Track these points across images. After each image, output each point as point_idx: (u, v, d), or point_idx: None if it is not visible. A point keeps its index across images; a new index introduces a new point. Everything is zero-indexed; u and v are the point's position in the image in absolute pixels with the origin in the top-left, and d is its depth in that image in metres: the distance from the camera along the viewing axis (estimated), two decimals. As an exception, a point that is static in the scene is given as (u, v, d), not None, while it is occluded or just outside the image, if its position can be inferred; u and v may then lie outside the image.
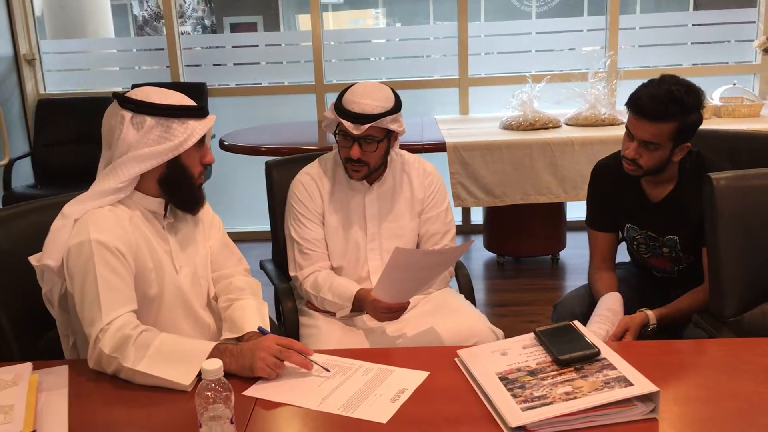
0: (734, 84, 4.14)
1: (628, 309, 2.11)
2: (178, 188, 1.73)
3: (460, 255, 2.06)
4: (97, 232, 1.59)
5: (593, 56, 4.51)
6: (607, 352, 1.43)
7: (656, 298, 2.20)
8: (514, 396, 1.33)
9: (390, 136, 2.14)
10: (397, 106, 2.11)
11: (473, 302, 2.31)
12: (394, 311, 1.99)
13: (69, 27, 6.21)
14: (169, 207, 1.78)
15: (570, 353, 1.42)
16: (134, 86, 4.73)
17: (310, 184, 2.21)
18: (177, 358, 1.50)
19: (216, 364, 1.16)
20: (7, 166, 4.30)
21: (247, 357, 1.52)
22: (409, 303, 2.01)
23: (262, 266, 2.48)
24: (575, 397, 1.30)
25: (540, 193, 3.77)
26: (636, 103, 2.02)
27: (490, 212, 4.29)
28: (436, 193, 2.28)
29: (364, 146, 2.09)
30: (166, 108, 1.66)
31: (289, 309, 2.22)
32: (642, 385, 1.31)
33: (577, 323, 1.55)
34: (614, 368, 1.38)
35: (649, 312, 2.07)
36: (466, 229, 4.99)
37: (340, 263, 2.21)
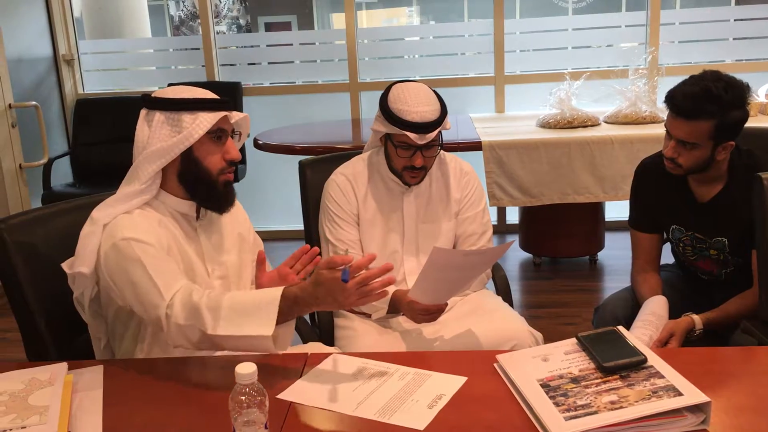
0: (780, 80, 4.02)
1: (673, 312, 2.04)
2: (197, 185, 1.69)
3: (500, 256, 2.01)
4: (130, 232, 1.58)
5: (633, 53, 4.42)
6: (654, 360, 1.38)
7: (701, 301, 2.13)
8: (557, 404, 1.28)
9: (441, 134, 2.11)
10: (443, 104, 2.07)
11: (511, 304, 2.26)
12: (432, 313, 1.95)
13: (107, 27, 6.28)
14: (201, 209, 1.76)
15: (615, 360, 1.36)
16: (169, 85, 4.80)
17: (345, 184, 2.18)
18: (251, 311, 1.47)
19: (250, 368, 1.13)
20: (47, 165, 4.35)
21: (327, 302, 1.47)
22: (446, 304, 1.97)
23: (296, 267, 2.45)
24: (621, 407, 1.25)
25: (578, 193, 3.70)
26: (672, 101, 1.96)
27: (527, 212, 4.22)
28: (474, 194, 2.24)
29: (426, 152, 2.06)
30: (176, 101, 1.64)
31: (325, 310, 2.19)
32: (692, 394, 1.25)
33: (621, 328, 1.49)
34: (662, 377, 1.32)
35: (695, 317, 2.00)
36: (501, 229, 4.92)
37: (375, 265, 2.17)
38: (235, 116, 1.74)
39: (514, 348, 1.94)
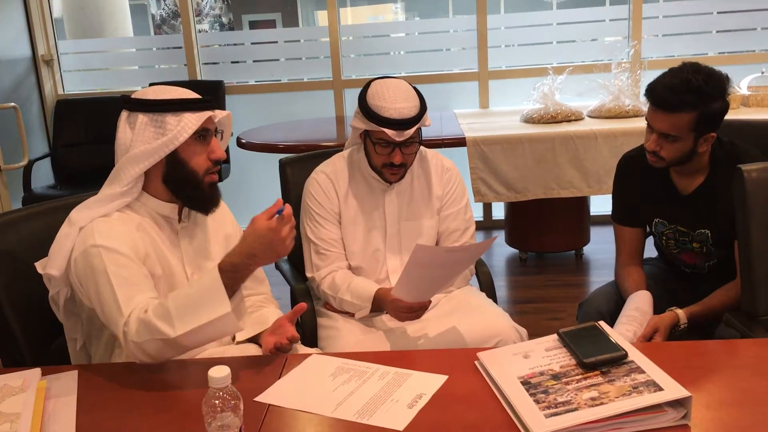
0: (762, 72, 4.02)
1: (657, 306, 2.03)
2: (183, 186, 1.66)
3: (483, 251, 1.99)
4: (102, 239, 1.55)
5: (616, 46, 4.41)
6: (635, 355, 1.36)
7: (686, 294, 2.12)
8: (537, 402, 1.26)
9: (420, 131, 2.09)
10: (423, 100, 2.05)
11: (495, 300, 2.25)
12: (415, 311, 1.93)
13: (88, 27, 6.22)
14: (184, 211, 1.73)
15: (596, 356, 1.35)
16: (150, 85, 4.76)
17: (326, 182, 2.16)
18: (199, 299, 1.45)
19: (223, 372, 1.10)
20: (27, 167, 4.29)
21: (264, 253, 1.49)
22: (430, 302, 1.95)
23: (277, 266, 2.43)
24: (602, 403, 1.23)
25: (563, 188, 3.70)
26: (652, 93, 1.95)
27: (512, 207, 4.21)
28: (455, 190, 2.22)
29: (405, 149, 2.03)
30: (158, 103, 1.61)
31: (307, 310, 2.16)
32: (673, 389, 1.24)
33: (603, 324, 1.48)
34: (643, 372, 1.31)
35: (679, 311, 1.99)
36: (487, 225, 4.91)
37: (358, 263, 2.16)
38: (218, 114, 1.71)
39: (499, 344, 1.93)
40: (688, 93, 1.90)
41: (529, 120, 3.91)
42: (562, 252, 4.29)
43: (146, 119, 1.61)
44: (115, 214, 1.63)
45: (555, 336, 1.48)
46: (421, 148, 2.24)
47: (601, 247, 4.26)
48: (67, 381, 1.48)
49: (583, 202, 4.12)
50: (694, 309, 2.00)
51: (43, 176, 4.61)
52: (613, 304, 2.14)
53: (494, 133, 3.71)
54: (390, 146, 2.01)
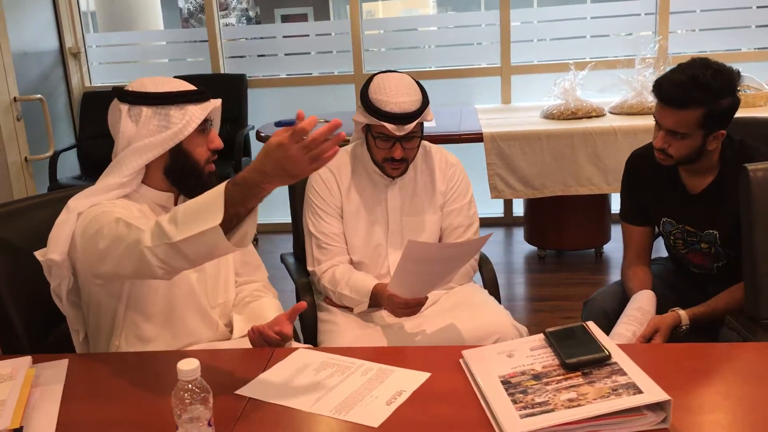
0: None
1: (665, 307, 2.00)
2: (186, 177, 1.69)
3: (479, 249, 1.97)
4: (104, 206, 1.58)
5: (640, 42, 4.33)
6: (619, 357, 1.34)
7: (694, 295, 2.08)
8: (515, 401, 1.25)
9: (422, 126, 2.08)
10: (426, 94, 2.04)
11: (498, 298, 2.22)
12: (412, 306, 1.92)
13: (119, 20, 6.31)
14: (180, 200, 1.75)
15: (578, 357, 1.32)
16: (175, 78, 4.81)
17: (329, 176, 2.16)
18: (202, 209, 1.38)
19: (192, 364, 1.11)
20: (53, 158, 4.37)
21: (274, 172, 1.32)
22: (427, 298, 1.94)
23: (282, 260, 2.44)
24: (578, 405, 1.21)
25: (581, 185, 3.65)
26: (659, 89, 1.91)
27: (531, 204, 4.16)
28: (459, 185, 2.20)
29: (406, 144, 2.03)
30: (162, 96, 1.63)
31: (308, 304, 2.16)
32: (652, 392, 1.21)
33: (591, 324, 1.45)
34: (624, 374, 1.28)
35: (682, 312, 1.95)
36: (508, 221, 4.87)
37: (359, 258, 2.15)
38: (213, 103, 1.72)
39: (497, 342, 1.91)
40: (696, 89, 1.86)
41: (549, 116, 3.87)
42: (581, 250, 4.24)
43: (150, 112, 1.63)
44: (116, 201, 1.65)
45: (542, 335, 1.46)
46: (426, 143, 2.23)
47: (621, 246, 4.18)
48: (57, 370, 1.50)
49: (603, 200, 4.06)
50: (698, 310, 1.96)
51: (70, 167, 4.69)
52: (618, 303, 2.11)
53: (512, 129, 3.68)
54: (390, 141, 2.00)
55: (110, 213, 1.53)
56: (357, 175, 2.16)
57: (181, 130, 1.63)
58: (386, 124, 1.95)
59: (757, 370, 1.41)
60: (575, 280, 3.91)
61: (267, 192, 1.38)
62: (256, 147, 4.39)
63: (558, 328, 1.44)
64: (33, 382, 1.42)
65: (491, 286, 2.26)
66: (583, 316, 2.20)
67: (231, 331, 1.83)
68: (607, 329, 1.96)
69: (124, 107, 1.66)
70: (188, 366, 1.11)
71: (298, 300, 2.22)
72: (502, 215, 4.88)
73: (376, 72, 2.07)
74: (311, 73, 5.02)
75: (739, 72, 1.93)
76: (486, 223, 4.84)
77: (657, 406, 1.21)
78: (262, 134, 3.95)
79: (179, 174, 1.69)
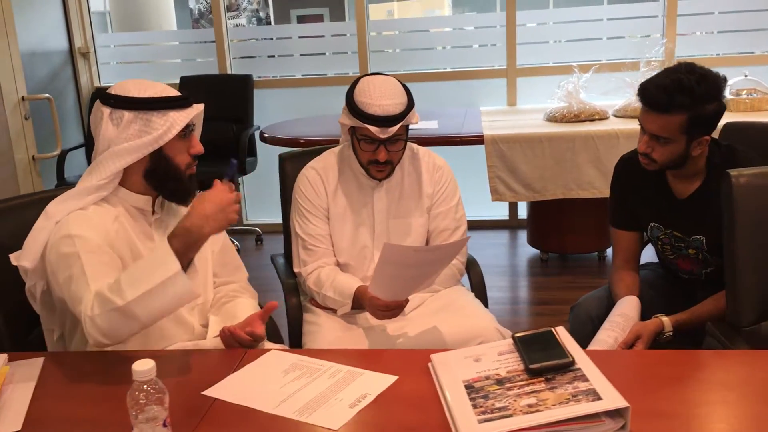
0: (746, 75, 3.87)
1: (653, 312, 1.98)
2: (166, 181, 1.70)
3: (457, 252, 1.97)
4: (76, 229, 1.59)
5: (645, 44, 4.30)
6: (583, 363, 1.33)
7: (683, 301, 2.06)
8: (475, 406, 1.25)
9: (407, 129, 2.08)
10: (411, 97, 2.04)
11: (485, 301, 2.22)
12: (392, 309, 1.92)
13: (134, 21, 6.39)
14: (157, 202, 1.76)
15: (542, 362, 1.32)
16: (182, 78, 4.84)
17: (315, 178, 2.16)
18: (149, 265, 1.47)
19: (147, 365, 1.12)
20: (60, 157, 4.41)
21: (215, 215, 1.52)
22: (407, 301, 1.94)
23: (272, 260, 2.45)
24: (537, 410, 1.21)
25: (582, 188, 3.63)
26: (643, 93, 1.89)
27: (534, 207, 4.15)
28: (446, 188, 2.20)
29: (390, 147, 2.03)
30: (144, 101, 1.63)
31: (293, 305, 2.18)
32: (611, 399, 1.20)
33: (560, 329, 1.45)
34: (586, 380, 1.27)
35: (665, 318, 1.93)
36: (512, 224, 4.85)
37: (346, 260, 2.16)
38: (196, 109, 1.73)
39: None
40: (680, 94, 1.84)
41: (552, 119, 3.85)
42: (584, 253, 4.21)
43: (132, 116, 1.63)
44: (91, 207, 1.66)
45: (510, 340, 1.45)
46: (414, 145, 2.23)
47: (625, 250, 4.16)
48: (31, 368, 1.52)
49: (606, 203, 4.02)
50: (681, 317, 1.94)
51: (78, 166, 4.73)
52: (603, 309, 2.09)
53: (513, 132, 3.66)
54: (374, 143, 2.01)
55: (77, 257, 1.54)
56: (344, 177, 2.17)
57: (161, 136, 1.63)
58: (369, 127, 1.95)
59: (727, 378, 1.40)
60: (578, 284, 3.88)
61: (204, 240, 1.52)
62: (260, 147, 4.40)
63: (526, 333, 1.44)
64: (6, 380, 1.44)
65: (478, 289, 2.25)
66: (569, 320, 2.20)
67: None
68: (593, 335, 1.95)
69: (106, 110, 1.66)
70: (143, 366, 1.12)
71: (286, 301, 2.24)
72: (507, 218, 4.86)
73: (366, 74, 2.08)
74: (326, 74, 5.02)
75: (725, 77, 1.91)
76: (490, 225, 4.85)
77: (616, 413, 1.20)
78: (266, 135, 3.97)
79: (159, 177, 1.69)
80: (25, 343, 1.79)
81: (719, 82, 1.88)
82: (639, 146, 1.97)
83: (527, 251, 4.36)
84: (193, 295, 1.50)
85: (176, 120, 1.65)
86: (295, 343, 2.13)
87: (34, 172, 4.30)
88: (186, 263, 1.49)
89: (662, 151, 1.93)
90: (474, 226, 4.84)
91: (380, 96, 1.97)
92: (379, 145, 2.00)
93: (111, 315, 1.44)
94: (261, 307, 1.80)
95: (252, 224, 4.93)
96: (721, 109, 1.90)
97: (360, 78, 2.06)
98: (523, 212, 4.82)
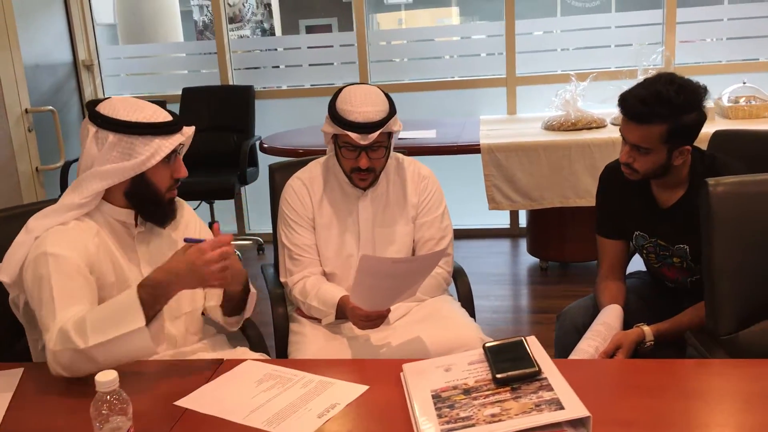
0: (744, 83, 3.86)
1: (639, 321, 1.98)
2: (144, 203, 1.71)
3: (435, 264, 1.98)
4: (54, 247, 1.59)
5: (642, 52, 4.29)
6: (550, 372, 1.33)
7: (669, 310, 2.05)
8: (440, 416, 1.25)
9: (391, 137, 2.10)
10: (393, 105, 2.06)
11: (471, 311, 2.22)
12: (373, 319, 1.93)
13: (140, 33, 6.44)
14: (140, 217, 1.77)
15: (508, 371, 1.33)
16: (184, 90, 4.88)
17: (301, 188, 2.18)
18: (115, 313, 1.47)
19: (110, 376, 1.14)
20: (64, 168, 4.46)
21: (187, 273, 1.49)
22: (389, 311, 1.95)
23: (262, 270, 2.47)
24: (500, 420, 1.21)
25: (579, 196, 3.63)
26: (623, 104, 1.90)
27: (533, 216, 4.15)
28: (432, 198, 2.21)
29: (372, 154, 2.04)
30: (130, 125, 1.62)
31: (280, 315, 2.19)
32: (573, 408, 1.21)
33: (530, 339, 1.45)
34: (551, 390, 1.28)
35: (646, 328, 1.93)
36: (514, 233, 4.85)
37: (331, 269, 2.17)
38: (186, 132, 1.72)
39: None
40: (659, 104, 1.85)
41: (550, 127, 3.85)
42: (584, 262, 4.20)
43: (115, 139, 1.62)
44: (72, 222, 1.66)
45: (481, 350, 1.46)
46: (399, 155, 2.25)
47: (625, 258, 4.15)
48: (9, 378, 1.54)
49: (605, 212, 4.02)
50: (662, 326, 1.94)
51: (81, 177, 4.78)
52: (589, 318, 2.09)
53: (509, 140, 3.67)
54: (356, 150, 2.02)
55: (48, 281, 1.55)
56: (329, 186, 2.18)
57: (143, 162, 1.63)
58: (350, 133, 1.97)
59: (699, 387, 1.40)
60: (578, 293, 3.81)
61: (174, 294, 1.52)
62: (261, 158, 4.43)
63: (496, 342, 1.45)
64: (-17, 390, 1.46)
65: (466, 299, 2.26)
66: (556, 329, 2.20)
67: (200, 339, 1.86)
68: (577, 343, 1.95)
69: (92, 128, 1.65)
70: (105, 378, 1.13)
71: (272, 311, 2.25)
72: (508, 226, 4.86)
73: (348, 84, 2.10)
74: (333, 84, 5.05)
75: (705, 87, 1.92)
76: (492, 234, 4.85)
77: (579, 422, 1.21)
78: (266, 145, 4.00)
79: (139, 199, 1.70)
80: (11, 353, 1.80)
81: (699, 92, 1.89)
82: (621, 156, 1.97)
83: (527, 260, 4.36)
84: (151, 351, 1.49)
85: (161, 147, 1.64)
86: (281, 353, 2.14)
87: (37, 183, 4.35)
88: (152, 315, 1.49)
89: (643, 161, 1.93)
90: (475, 234, 4.88)
91: (361, 103, 1.99)
92: (360, 152, 2.02)
93: (72, 354, 1.46)
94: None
95: (253, 234, 4.97)
96: (702, 118, 1.90)
97: (343, 87, 2.08)
98: (524, 221, 4.81)
